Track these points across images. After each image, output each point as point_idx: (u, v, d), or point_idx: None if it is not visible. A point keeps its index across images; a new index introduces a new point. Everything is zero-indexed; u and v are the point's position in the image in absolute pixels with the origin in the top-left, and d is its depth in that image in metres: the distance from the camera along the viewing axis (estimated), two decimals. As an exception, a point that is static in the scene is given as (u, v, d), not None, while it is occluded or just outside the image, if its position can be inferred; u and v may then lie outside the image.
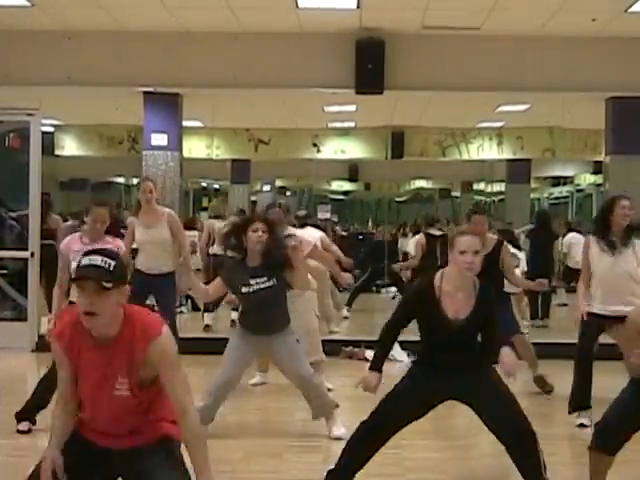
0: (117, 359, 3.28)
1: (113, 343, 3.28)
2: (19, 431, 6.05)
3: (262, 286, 5.83)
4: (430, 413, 4.64)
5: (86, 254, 3.29)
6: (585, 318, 6.46)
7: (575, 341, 6.75)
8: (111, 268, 3.21)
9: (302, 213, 10.83)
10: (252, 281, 5.83)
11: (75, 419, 3.43)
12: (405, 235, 16.65)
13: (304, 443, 5.91)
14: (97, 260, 3.21)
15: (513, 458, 4.54)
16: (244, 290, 5.85)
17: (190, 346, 8.98)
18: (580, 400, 6.58)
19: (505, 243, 7.48)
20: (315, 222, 12.37)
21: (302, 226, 9.20)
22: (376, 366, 4.64)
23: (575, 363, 6.62)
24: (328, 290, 10.86)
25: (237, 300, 6.25)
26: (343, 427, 5.94)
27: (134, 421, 3.41)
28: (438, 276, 4.47)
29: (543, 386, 7.72)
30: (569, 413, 6.65)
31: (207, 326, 10.82)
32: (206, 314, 10.91)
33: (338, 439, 5.85)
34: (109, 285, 3.17)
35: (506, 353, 4.48)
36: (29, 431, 6.05)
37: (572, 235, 13.01)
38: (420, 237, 11.03)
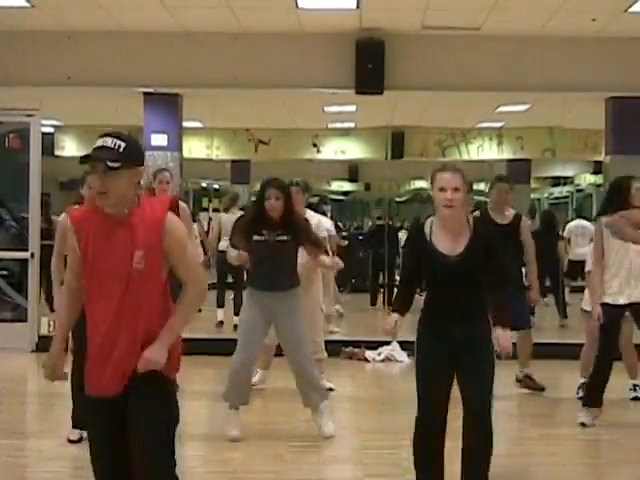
0: (133, 233, 3.34)
1: (126, 220, 3.35)
2: (70, 440, 5.77)
3: (276, 238, 5.87)
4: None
5: (101, 136, 3.39)
6: (602, 315, 6.34)
7: (580, 341, 6.78)
8: (120, 149, 3.30)
9: (315, 200, 10.78)
10: (265, 231, 5.89)
11: (79, 307, 3.50)
12: (402, 228, 16.53)
13: (304, 443, 5.91)
14: (108, 142, 3.32)
15: (464, 447, 4.42)
16: (256, 238, 5.90)
17: (200, 347, 9.06)
18: (594, 397, 6.45)
19: (524, 217, 7.52)
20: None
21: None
22: (396, 307, 4.48)
23: (596, 358, 6.45)
24: (332, 286, 10.82)
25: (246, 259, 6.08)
26: (331, 422, 6.05)
27: (132, 328, 3.35)
28: (429, 220, 4.37)
29: (531, 386, 7.65)
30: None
31: (221, 322, 10.84)
32: (219, 310, 10.92)
33: (330, 437, 5.91)
34: (115, 165, 3.26)
35: (500, 330, 4.31)
36: (79, 440, 5.68)
37: (575, 224, 12.88)
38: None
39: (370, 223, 21.88)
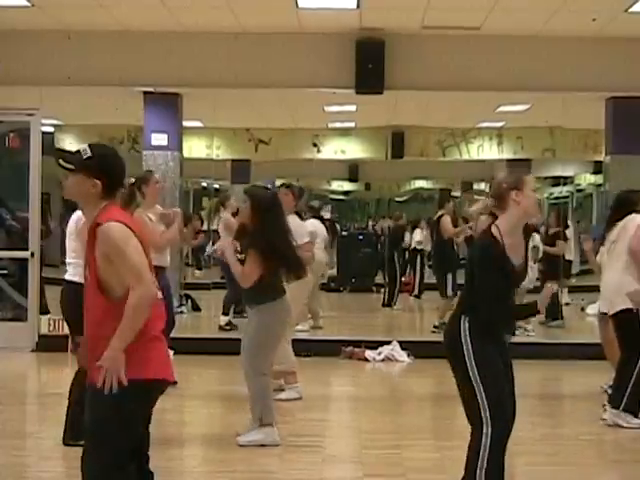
0: (88, 244, 3.45)
1: (89, 230, 3.46)
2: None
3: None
4: (430, 413, 4.64)
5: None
6: None
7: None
8: (84, 155, 3.44)
9: (316, 204, 10.75)
10: None
11: None
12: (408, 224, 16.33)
13: (304, 443, 5.91)
14: (82, 147, 3.49)
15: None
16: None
17: (201, 347, 9.06)
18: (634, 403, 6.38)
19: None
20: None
21: (313, 217, 9.19)
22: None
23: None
24: (317, 284, 10.77)
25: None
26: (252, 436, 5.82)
27: (87, 334, 3.46)
28: (494, 227, 4.16)
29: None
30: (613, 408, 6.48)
31: (224, 326, 10.76)
32: (222, 317, 10.75)
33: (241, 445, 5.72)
34: (68, 166, 3.45)
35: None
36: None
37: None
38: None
39: (370, 223, 21.91)
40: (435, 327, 10.36)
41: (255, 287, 5.68)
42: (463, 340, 4.11)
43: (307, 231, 7.53)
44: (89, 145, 3.49)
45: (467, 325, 4.11)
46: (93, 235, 3.37)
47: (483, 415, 4.07)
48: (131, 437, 3.39)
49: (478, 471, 4.09)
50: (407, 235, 15.23)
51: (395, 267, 14.08)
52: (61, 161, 3.48)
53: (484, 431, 4.07)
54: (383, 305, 13.74)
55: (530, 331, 10.19)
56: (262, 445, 5.61)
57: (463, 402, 4.20)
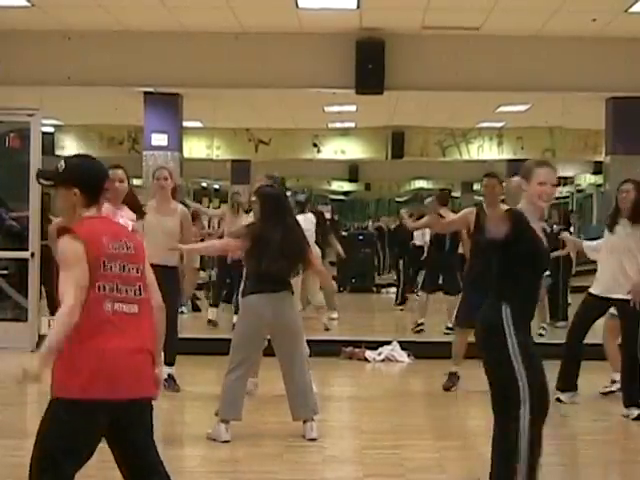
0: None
1: (57, 231, 3.53)
2: None
3: None
4: (430, 413, 4.63)
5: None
6: None
7: (586, 342, 6.85)
8: (59, 170, 3.52)
9: (302, 198, 10.69)
10: None
11: None
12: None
13: (304, 443, 5.91)
14: (60, 161, 3.55)
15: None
16: None
17: (200, 347, 9.04)
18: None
19: None
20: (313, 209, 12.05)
21: (301, 212, 9.15)
22: None
23: None
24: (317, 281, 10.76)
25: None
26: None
27: None
28: (520, 212, 4.29)
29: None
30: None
31: (210, 321, 10.80)
32: (210, 309, 10.90)
33: (313, 440, 5.86)
34: (45, 182, 3.56)
35: None
36: None
37: None
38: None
39: (370, 223, 21.91)
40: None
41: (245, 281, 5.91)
42: (506, 326, 4.15)
43: None
44: (64, 158, 3.57)
45: (509, 312, 4.16)
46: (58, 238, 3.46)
47: (522, 395, 4.12)
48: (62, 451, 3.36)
49: (522, 453, 4.13)
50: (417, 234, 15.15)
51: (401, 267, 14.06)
52: (40, 179, 3.56)
53: (521, 412, 4.12)
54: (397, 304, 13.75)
55: (542, 330, 10.25)
56: (259, 445, 5.61)
57: (497, 389, 4.22)
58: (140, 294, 3.47)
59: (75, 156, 3.71)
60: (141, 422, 3.47)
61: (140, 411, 3.45)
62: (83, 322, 3.34)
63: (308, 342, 7.24)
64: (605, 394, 7.39)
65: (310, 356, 8.04)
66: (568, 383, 7.01)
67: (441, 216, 7.96)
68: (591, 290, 7.05)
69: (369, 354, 9.29)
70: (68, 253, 3.39)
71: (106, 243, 3.40)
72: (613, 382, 7.41)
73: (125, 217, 6.07)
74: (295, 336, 6.04)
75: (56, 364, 3.33)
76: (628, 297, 6.68)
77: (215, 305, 10.98)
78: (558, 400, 6.72)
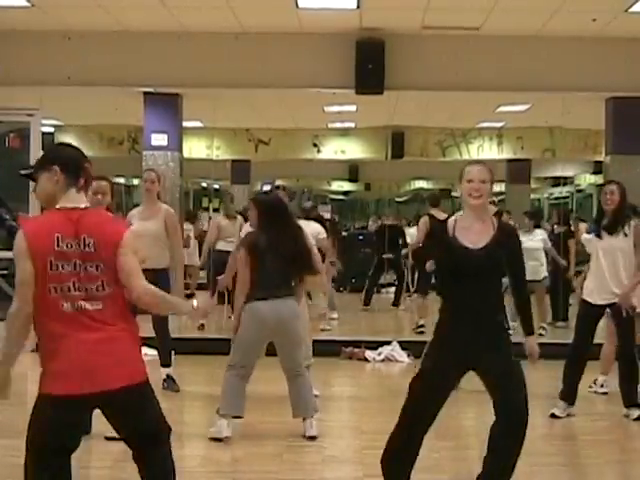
0: None
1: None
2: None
3: None
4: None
5: None
6: None
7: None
8: (39, 158, 3.63)
9: (308, 205, 10.70)
10: None
11: None
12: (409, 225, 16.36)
13: (304, 443, 5.91)
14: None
15: (492, 446, 4.44)
16: None
17: (201, 347, 9.04)
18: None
19: (505, 215, 7.63)
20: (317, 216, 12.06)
21: (306, 219, 9.13)
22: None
23: None
24: (330, 287, 10.83)
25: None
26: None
27: None
28: (452, 218, 4.48)
29: None
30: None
31: (202, 325, 10.77)
32: None
33: (312, 437, 5.91)
34: (26, 172, 3.68)
35: (531, 339, 4.51)
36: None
37: None
38: (424, 219, 9.89)
39: (370, 223, 21.88)
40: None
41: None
42: (508, 327, 4.46)
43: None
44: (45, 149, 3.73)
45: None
46: None
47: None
48: (40, 441, 3.52)
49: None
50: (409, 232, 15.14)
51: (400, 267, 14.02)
52: (20, 171, 3.70)
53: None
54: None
55: (542, 330, 10.25)
56: (259, 445, 5.62)
57: (510, 390, 4.34)
58: (103, 290, 3.43)
59: (54, 144, 3.86)
60: (128, 409, 3.49)
61: (124, 400, 3.45)
62: (47, 323, 3.39)
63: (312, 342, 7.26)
64: (605, 394, 7.40)
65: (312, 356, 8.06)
66: (569, 396, 6.87)
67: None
68: (586, 298, 6.82)
69: (369, 354, 9.29)
70: (14, 250, 3.42)
71: (54, 241, 3.38)
72: (595, 383, 7.56)
73: None
74: (296, 340, 6.06)
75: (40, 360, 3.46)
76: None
77: None
78: (553, 415, 6.69)
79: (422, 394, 4.39)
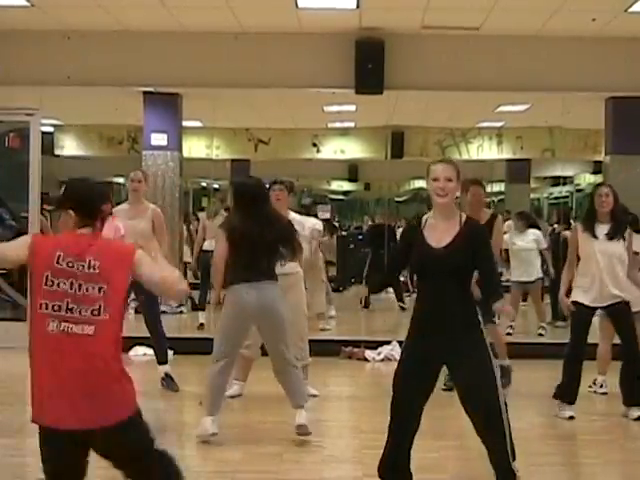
0: None
1: None
2: None
3: None
4: (429, 413, 4.62)
5: None
6: None
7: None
8: (60, 194, 3.67)
9: (308, 201, 10.75)
10: None
11: None
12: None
13: (304, 443, 5.91)
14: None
15: (483, 441, 4.45)
16: None
17: (200, 347, 9.02)
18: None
19: (499, 217, 7.64)
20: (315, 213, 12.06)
21: (307, 215, 9.17)
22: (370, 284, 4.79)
23: None
24: (323, 287, 10.80)
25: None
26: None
27: None
28: (425, 217, 4.54)
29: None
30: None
31: (202, 325, 10.78)
32: (200, 313, 10.89)
33: (301, 426, 5.87)
34: (49, 208, 3.74)
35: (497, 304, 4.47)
36: None
37: None
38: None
39: (370, 223, 21.85)
40: None
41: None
42: (479, 323, 4.42)
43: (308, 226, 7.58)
44: (66, 182, 3.70)
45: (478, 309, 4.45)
46: None
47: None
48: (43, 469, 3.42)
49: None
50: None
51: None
52: (44, 205, 3.76)
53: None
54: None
55: (542, 330, 10.25)
56: (259, 445, 5.61)
57: (477, 389, 4.36)
58: (99, 314, 3.31)
59: (75, 179, 3.73)
60: (105, 447, 3.38)
61: (101, 438, 3.33)
62: (32, 341, 3.34)
63: (308, 342, 7.26)
64: (604, 394, 7.41)
65: (310, 355, 8.07)
66: (569, 397, 6.85)
67: None
68: (580, 300, 6.72)
69: (368, 354, 9.29)
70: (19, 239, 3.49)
71: (55, 258, 3.34)
72: (595, 383, 7.56)
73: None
74: (280, 325, 5.91)
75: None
76: (619, 300, 6.66)
77: (202, 309, 10.95)
78: (571, 418, 6.67)
79: (399, 391, 4.45)
